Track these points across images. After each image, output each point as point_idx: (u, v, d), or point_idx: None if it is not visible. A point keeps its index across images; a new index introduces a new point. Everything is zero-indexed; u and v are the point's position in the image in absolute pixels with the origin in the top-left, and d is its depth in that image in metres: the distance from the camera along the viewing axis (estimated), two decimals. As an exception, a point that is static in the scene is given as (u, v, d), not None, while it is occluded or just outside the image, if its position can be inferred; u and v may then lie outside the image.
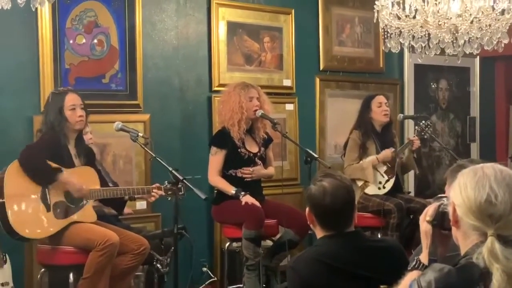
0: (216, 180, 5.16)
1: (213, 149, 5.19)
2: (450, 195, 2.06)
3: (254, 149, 5.24)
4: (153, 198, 4.49)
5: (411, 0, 4.09)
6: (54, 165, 4.24)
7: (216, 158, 5.16)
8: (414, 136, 5.85)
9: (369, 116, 5.81)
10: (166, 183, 4.41)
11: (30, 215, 4.19)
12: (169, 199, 4.42)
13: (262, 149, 5.28)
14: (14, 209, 4.15)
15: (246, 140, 5.21)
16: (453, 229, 2.06)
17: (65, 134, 4.38)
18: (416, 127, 5.92)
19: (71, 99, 4.39)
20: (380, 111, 5.79)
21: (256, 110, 5.14)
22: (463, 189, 1.99)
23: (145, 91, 5.54)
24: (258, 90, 5.26)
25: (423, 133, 5.86)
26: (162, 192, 4.45)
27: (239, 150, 5.14)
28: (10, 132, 4.94)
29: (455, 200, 2.01)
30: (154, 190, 4.46)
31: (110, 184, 4.68)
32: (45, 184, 4.24)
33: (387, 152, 5.67)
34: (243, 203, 4.94)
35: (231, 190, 5.04)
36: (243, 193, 5.00)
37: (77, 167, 4.41)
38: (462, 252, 2.02)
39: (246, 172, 5.15)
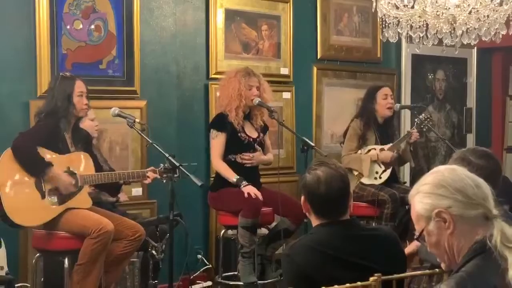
0: (219, 165, 5.13)
1: (213, 132, 5.16)
2: (433, 203, 2.02)
3: (253, 134, 5.23)
4: (148, 180, 4.48)
5: (410, -10, 4.09)
6: (48, 153, 4.24)
7: (217, 141, 5.13)
8: (413, 129, 5.84)
9: (372, 107, 5.78)
10: (161, 166, 4.41)
11: (25, 202, 4.19)
12: (164, 181, 4.41)
13: (261, 134, 5.28)
14: (9, 196, 4.15)
15: (245, 125, 5.20)
16: (448, 238, 2.00)
17: (68, 120, 4.37)
18: (416, 120, 5.89)
19: (80, 86, 4.40)
20: (385, 103, 5.77)
21: (253, 99, 5.13)
22: (448, 191, 1.99)
23: (142, 77, 5.52)
24: (259, 78, 5.23)
25: (422, 126, 5.84)
26: (157, 175, 4.44)
27: (239, 134, 5.12)
28: (7, 117, 4.93)
29: (442, 205, 1.99)
30: (149, 173, 4.46)
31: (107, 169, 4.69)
32: (35, 176, 4.23)
33: (388, 154, 5.64)
34: (245, 194, 4.94)
35: (233, 177, 5.03)
36: (244, 182, 4.99)
37: (73, 152, 4.40)
38: (462, 254, 1.99)
39: (246, 158, 5.14)
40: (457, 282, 1.85)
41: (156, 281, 4.77)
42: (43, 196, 4.23)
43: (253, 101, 5.11)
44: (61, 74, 4.50)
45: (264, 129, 5.34)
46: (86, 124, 4.67)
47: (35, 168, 4.22)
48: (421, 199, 2.03)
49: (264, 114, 5.26)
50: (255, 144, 5.20)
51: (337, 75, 6.90)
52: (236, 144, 5.13)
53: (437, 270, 2.72)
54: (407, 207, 5.64)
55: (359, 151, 5.71)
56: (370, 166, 5.65)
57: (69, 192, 4.29)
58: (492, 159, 3.09)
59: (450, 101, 7.96)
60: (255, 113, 5.25)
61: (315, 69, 6.71)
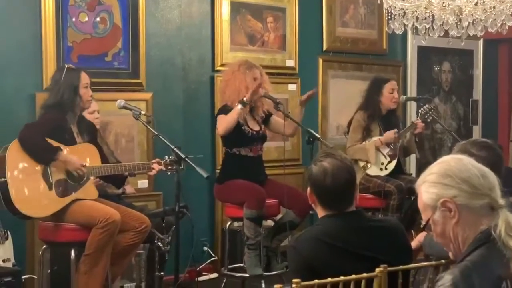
0: (223, 120, 4.97)
1: (219, 115, 5.10)
2: (438, 192, 2.02)
3: (256, 127, 5.23)
4: (154, 172, 4.48)
5: (416, -19, 4.07)
6: (54, 143, 4.25)
7: (221, 116, 5.03)
8: (418, 120, 5.84)
9: (378, 99, 5.78)
10: (166, 158, 4.42)
11: (32, 193, 4.19)
12: (169, 173, 4.42)
13: (263, 126, 5.28)
14: (17, 187, 4.15)
15: (248, 119, 5.20)
16: (453, 228, 2.00)
17: (74, 112, 4.38)
18: (420, 110, 5.89)
19: (85, 77, 4.40)
20: (391, 97, 5.77)
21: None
22: (454, 181, 1.98)
23: (148, 69, 5.53)
24: (260, 70, 5.23)
25: (426, 117, 5.84)
26: (162, 167, 4.44)
27: (242, 128, 5.12)
28: (13, 109, 4.93)
29: (448, 194, 1.99)
30: (154, 165, 4.46)
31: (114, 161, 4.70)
32: (45, 162, 4.24)
33: (390, 134, 5.67)
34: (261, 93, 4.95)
35: (237, 107, 4.91)
36: (245, 99, 4.93)
37: (79, 144, 4.41)
38: (467, 244, 1.98)
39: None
40: (461, 271, 1.85)
41: (162, 273, 4.78)
42: (50, 187, 4.24)
43: (259, 92, 5.10)
44: (66, 66, 4.50)
45: (268, 116, 5.30)
46: (86, 116, 4.67)
47: (45, 154, 4.22)
48: (427, 188, 2.03)
49: (265, 105, 5.25)
50: (258, 137, 5.19)
51: (342, 67, 6.89)
52: (240, 138, 5.12)
53: (443, 261, 2.72)
54: (412, 198, 5.64)
55: (363, 143, 5.71)
56: (375, 156, 5.66)
57: (81, 174, 4.29)
58: (494, 149, 3.09)
59: (456, 93, 7.95)
60: (257, 105, 5.24)
61: (320, 61, 6.70)
